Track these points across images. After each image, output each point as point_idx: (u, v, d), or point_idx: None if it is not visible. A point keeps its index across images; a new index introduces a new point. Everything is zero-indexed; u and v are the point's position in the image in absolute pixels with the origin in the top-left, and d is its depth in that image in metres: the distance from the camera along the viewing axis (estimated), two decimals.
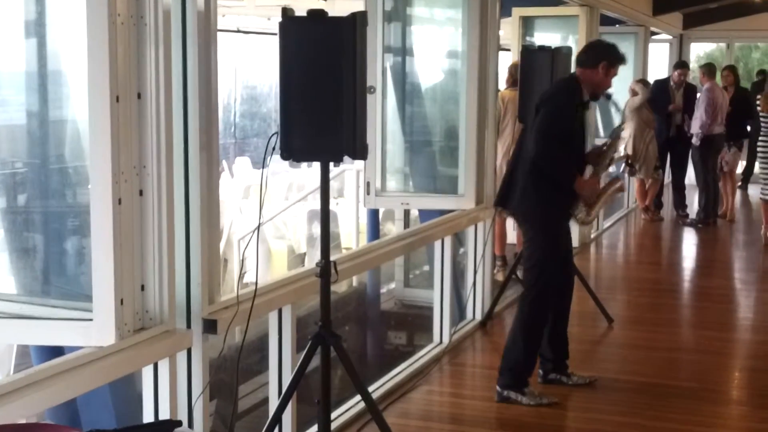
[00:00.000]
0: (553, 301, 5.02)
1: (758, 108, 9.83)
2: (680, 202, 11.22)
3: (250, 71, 19.83)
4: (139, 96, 3.06)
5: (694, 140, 10.52)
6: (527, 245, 4.99)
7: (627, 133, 10.65)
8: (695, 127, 10.49)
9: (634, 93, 10.56)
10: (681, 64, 11.52)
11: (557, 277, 4.97)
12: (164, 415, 3.31)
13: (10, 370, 7.46)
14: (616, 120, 12.48)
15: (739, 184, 13.37)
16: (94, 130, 2.94)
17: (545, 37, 9.75)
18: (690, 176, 11.32)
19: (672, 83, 11.00)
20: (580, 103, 4.91)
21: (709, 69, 10.75)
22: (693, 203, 11.19)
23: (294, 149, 3.50)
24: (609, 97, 5.44)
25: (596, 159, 5.23)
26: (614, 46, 5.07)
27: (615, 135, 5.57)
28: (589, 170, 5.28)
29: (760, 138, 9.36)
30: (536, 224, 4.95)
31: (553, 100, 4.87)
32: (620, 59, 4.99)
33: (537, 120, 4.80)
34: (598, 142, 7.44)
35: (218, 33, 3.52)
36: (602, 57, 4.91)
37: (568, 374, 5.22)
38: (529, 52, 6.77)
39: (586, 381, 5.21)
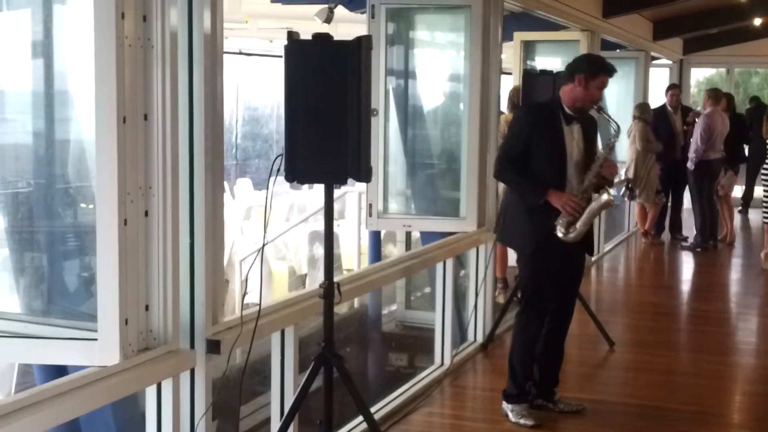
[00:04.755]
0: (549, 324, 5.01)
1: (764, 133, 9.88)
2: (676, 225, 11.27)
3: (251, 93, 19.91)
4: (145, 117, 3.09)
5: (689, 164, 10.56)
6: (518, 264, 5.13)
7: (629, 157, 10.68)
8: (690, 151, 10.54)
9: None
10: (671, 86, 11.59)
11: (542, 296, 4.90)
12: None
13: (11, 389, 7.46)
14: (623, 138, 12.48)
15: (740, 208, 13.39)
16: (101, 150, 2.96)
17: (546, 62, 9.78)
18: (687, 200, 11.37)
19: (668, 107, 11.05)
20: (554, 119, 4.76)
21: (715, 94, 10.76)
22: (692, 227, 11.20)
23: (298, 171, 3.53)
24: (600, 110, 5.07)
25: (581, 172, 4.85)
26: (594, 57, 5.04)
27: (607, 146, 5.02)
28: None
29: (765, 164, 9.37)
30: (518, 245, 5.06)
31: (511, 122, 4.93)
32: (600, 69, 4.74)
33: None
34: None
35: None
36: (577, 69, 4.75)
37: (554, 401, 5.11)
38: (530, 76, 6.81)
39: (573, 409, 5.09)
